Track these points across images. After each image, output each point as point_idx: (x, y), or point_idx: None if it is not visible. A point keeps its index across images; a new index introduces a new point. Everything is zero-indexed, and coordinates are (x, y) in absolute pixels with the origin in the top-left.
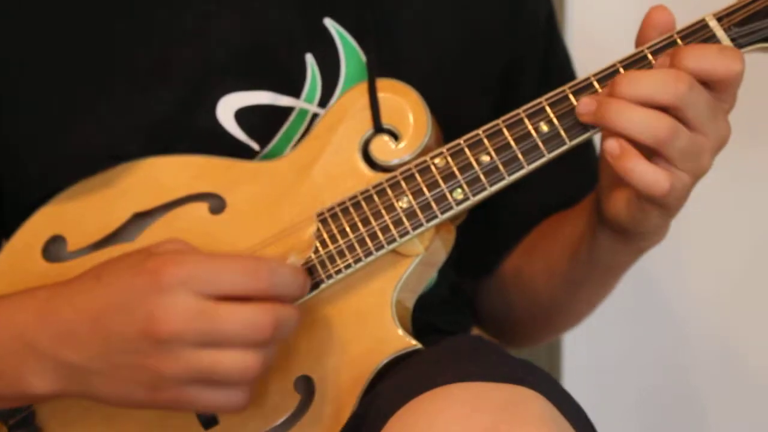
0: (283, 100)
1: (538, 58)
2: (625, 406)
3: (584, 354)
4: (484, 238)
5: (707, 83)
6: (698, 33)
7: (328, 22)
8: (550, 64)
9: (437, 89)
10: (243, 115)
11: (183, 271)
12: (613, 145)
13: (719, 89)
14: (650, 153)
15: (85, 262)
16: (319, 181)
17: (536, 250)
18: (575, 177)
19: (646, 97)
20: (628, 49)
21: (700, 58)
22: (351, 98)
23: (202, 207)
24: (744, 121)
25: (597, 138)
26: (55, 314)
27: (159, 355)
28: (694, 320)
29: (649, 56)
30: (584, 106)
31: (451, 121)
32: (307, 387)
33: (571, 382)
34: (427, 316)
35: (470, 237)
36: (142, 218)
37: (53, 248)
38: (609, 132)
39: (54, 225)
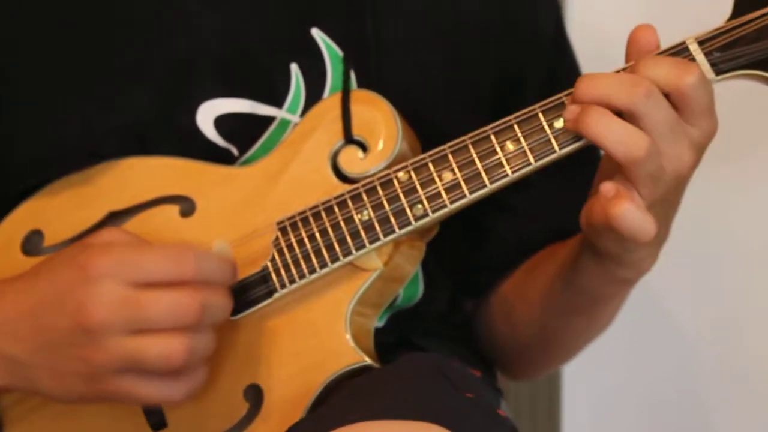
0: (264, 110)
1: (543, 70)
2: (625, 418)
3: (584, 378)
4: (482, 259)
5: (667, 97)
6: (677, 56)
7: (316, 33)
8: (559, 78)
9: (424, 104)
10: (222, 122)
11: (109, 261)
12: (608, 187)
13: (678, 106)
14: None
15: None
16: (287, 189)
17: (534, 273)
18: (577, 208)
19: (603, 98)
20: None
21: (652, 65)
22: (325, 107)
23: (173, 209)
24: (746, 128)
25: None
26: None
27: (90, 346)
28: (695, 340)
29: None
30: (569, 112)
31: (438, 136)
32: (256, 396)
33: (572, 400)
34: (414, 329)
35: (468, 256)
36: (117, 217)
37: (32, 242)
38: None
39: (34, 220)
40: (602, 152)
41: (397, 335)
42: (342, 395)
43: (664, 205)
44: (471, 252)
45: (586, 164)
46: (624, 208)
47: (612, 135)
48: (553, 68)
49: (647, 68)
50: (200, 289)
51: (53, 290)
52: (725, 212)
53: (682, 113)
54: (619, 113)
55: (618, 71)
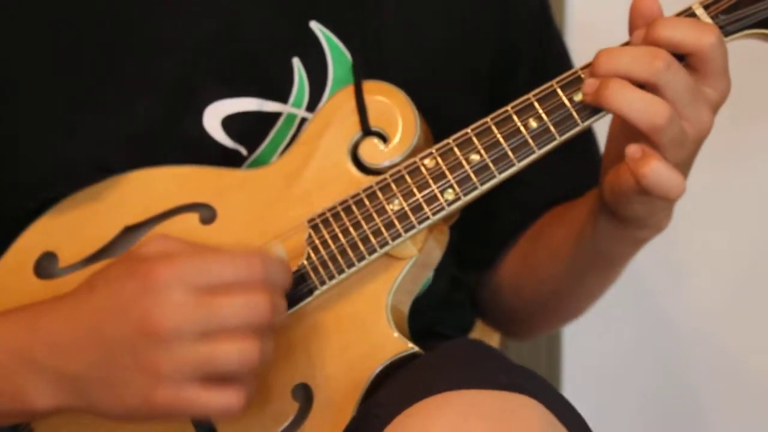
0: (270, 106)
1: (534, 49)
2: (626, 409)
3: (585, 357)
4: (485, 232)
5: (683, 58)
6: None
7: (314, 25)
8: (547, 56)
9: (425, 89)
10: (230, 123)
11: (175, 268)
12: (634, 149)
13: (697, 68)
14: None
15: (77, 278)
16: (310, 187)
17: (541, 237)
18: (579, 170)
19: (623, 72)
20: None
21: (671, 27)
22: (338, 102)
23: (192, 217)
24: (748, 123)
25: (601, 132)
26: (50, 327)
27: (157, 352)
28: (696, 321)
29: None
30: (588, 86)
31: (440, 121)
32: (305, 395)
33: (572, 385)
34: (426, 317)
35: (471, 231)
36: (133, 231)
37: (45, 265)
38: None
39: (45, 241)
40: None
41: (416, 324)
42: (412, 374)
43: (683, 166)
44: (476, 226)
45: None
46: (653, 166)
47: (632, 105)
48: (543, 43)
49: (665, 29)
50: (271, 291)
51: (114, 302)
52: (724, 208)
53: (699, 74)
54: (639, 84)
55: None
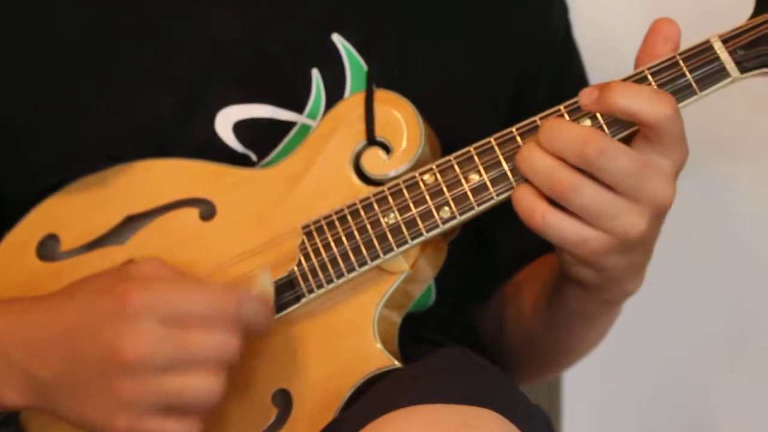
0: (284, 115)
1: (554, 72)
2: (625, 417)
3: (584, 383)
4: (482, 266)
5: (641, 128)
6: (701, 55)
7: (336, 38)
8: (564, 79)
9: (445, 110)
10: (241, 128)
11: (149, 297)
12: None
13: (652, 138)
14: None
15: (77, 263)
16: (310, 192)
17: (525, 283)
18: None
19: (557, 153)
20: (626, 55)
21: (626, 96)
22: (346, 108)
23: (192, 212)
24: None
25: None
26: (27, 328)
27: (121, 379)
28: (697, 333)
29: (649, 77)
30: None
31: (459, 142)
32: (284, 401)
33: (571, 396)
34: (426, 328)
35: (471, 263)
36: (134, 221)
37: (47, 247)
38: None
39: (49, 223)
40: None
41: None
42: (383, 387)
43: (652, 235)
44: (475, 257)
45: None
46: (547, 219)
47: (536, 172)
48: (563, 68)
49: (620, 98)
50: (241, 331)
51: (89, 317)
52: (721, 207)
53: (655, 144)
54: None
55: (636, 75)
